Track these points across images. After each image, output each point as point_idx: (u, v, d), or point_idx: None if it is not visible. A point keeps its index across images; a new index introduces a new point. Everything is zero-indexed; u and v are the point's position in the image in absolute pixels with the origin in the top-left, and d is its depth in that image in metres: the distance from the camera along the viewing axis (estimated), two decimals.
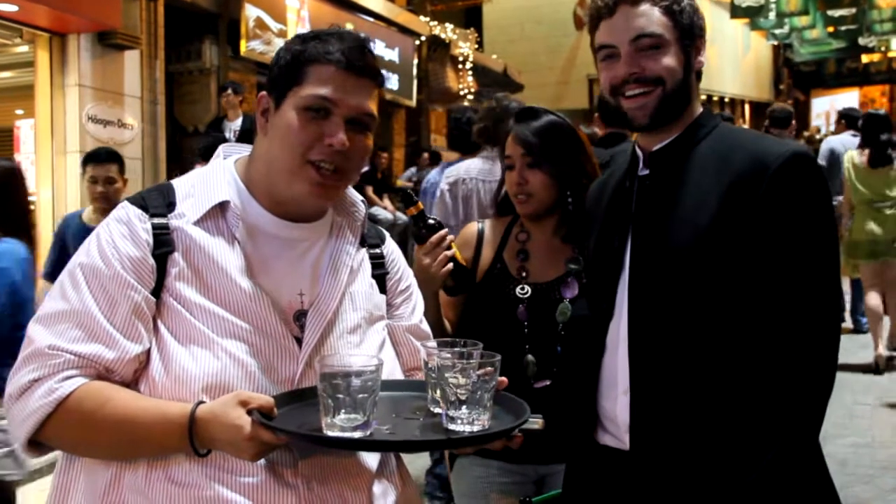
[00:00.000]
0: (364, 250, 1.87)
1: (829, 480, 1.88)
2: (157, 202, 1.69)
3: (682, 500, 1.84)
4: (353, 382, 1.45)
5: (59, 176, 8.03)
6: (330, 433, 1.46)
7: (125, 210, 1.68)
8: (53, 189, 8.04)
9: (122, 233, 1.63)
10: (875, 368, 7.62)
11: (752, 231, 1.77)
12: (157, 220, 1.65)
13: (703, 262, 1.81)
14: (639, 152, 2.00)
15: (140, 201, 1.69)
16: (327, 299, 1.72)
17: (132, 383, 1.60)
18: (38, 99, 8.24)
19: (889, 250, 7.55)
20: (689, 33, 1.91)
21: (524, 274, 2.54)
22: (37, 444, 1.59)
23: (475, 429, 1.51)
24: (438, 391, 1.55)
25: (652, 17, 1.88)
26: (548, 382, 2.43)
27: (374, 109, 1.71)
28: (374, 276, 1.86)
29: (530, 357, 2.45)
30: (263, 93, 1.73)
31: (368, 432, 1.47)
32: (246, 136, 7.53)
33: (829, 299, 1.79)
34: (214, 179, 1.73)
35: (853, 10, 21.75)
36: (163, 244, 1.64)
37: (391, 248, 1.94)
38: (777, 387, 1.75)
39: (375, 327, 1.81)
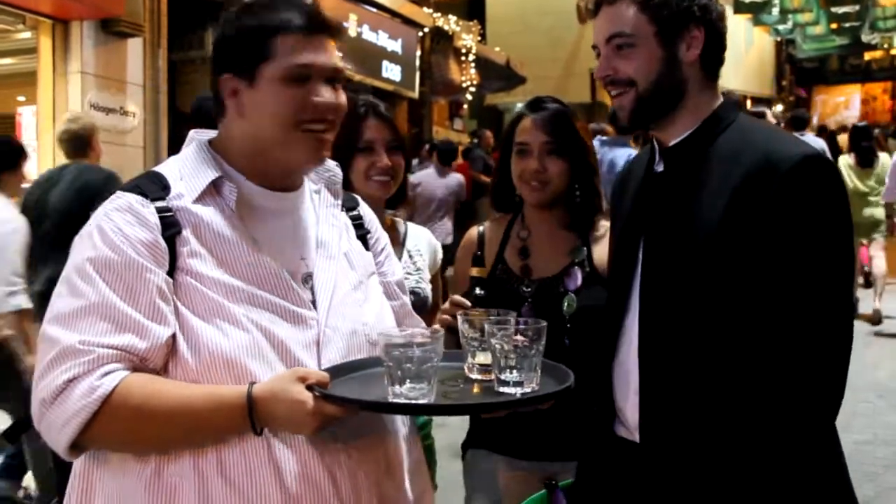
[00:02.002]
0: (344, 212, 1.91)
1: (846, 477, 1.86)
2: (153, 187, 1.67)
3: (690, 495, 1.83)
4: (415, 353, 1.50)
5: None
6: (397, 401, 1.51)
7: (123, 199, 1.64)
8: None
9: (127, 220, 1.60)
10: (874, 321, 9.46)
11: (762, 233, 1.73)
12: (158, 204, 1.64)
13: (712, 262, 1.77)
14: (656, 146, 1.98)
15: (136, 188, 1.66)
16: (329, 259, 1.77)
17: (161, 370, 1.57)
18: (40, 86, 8.23)
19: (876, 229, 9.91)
20: (674, 25, 1.85)
21: (527, 271, 2.53)
22: (76, 445, 1.53)
23: (527, 390, 1.57)
24: (479, 357, 1.61)
25: (625, 16, 1.85)
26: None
27: (342, 64, 1.76)
28: (357, 236, 1.91)
29: None
30: (226, 75, 1.69)
31: (432, 398, 1.53)
32: None
33: (838, 302, 1.74)
34: (200, 159, 1.73)
35: (856, 7, 21.77)
36: (170, 226, 1.62)
37: (365, 209, 1.99)
38: (789, 391, 1.72)
39: (373, 282, 1.86)
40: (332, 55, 1.72)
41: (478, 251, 2.57)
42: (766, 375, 1.74)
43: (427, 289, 2.65)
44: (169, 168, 1.74)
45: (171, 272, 1.60)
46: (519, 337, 1.56)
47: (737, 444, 1.76)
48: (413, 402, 1.51)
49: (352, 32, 13.10)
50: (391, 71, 14.30)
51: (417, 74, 15.12)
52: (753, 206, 1.73)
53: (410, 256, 2.70)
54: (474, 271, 2.30)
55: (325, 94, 1.68)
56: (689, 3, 1.85)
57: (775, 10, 20.98)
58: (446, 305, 2.29)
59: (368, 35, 13.58)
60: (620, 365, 1.96)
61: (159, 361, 1.56)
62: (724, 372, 1.78)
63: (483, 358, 1.65)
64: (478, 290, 2.29)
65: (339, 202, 1.88)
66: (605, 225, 2.57)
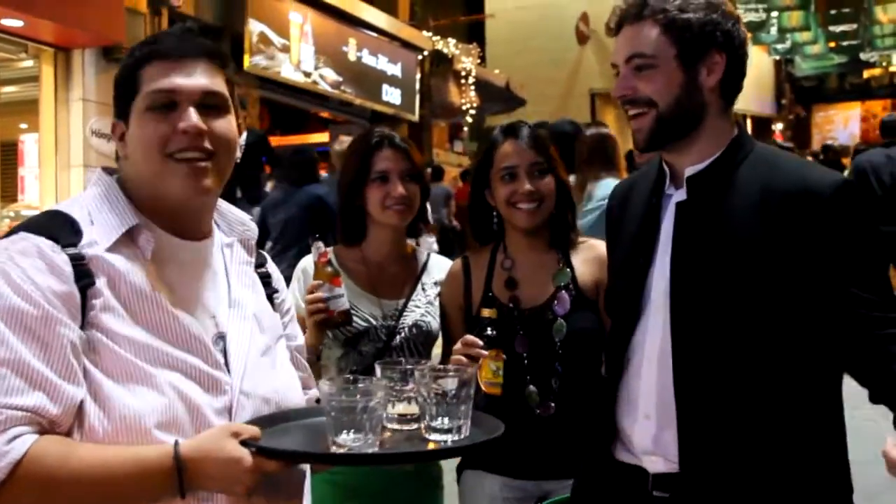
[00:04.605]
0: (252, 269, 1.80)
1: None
2: (64, 231, 1.49)
3: None
4: (359, 404, 1.44)
5: (63, 190, 8.04)
6: (340, 452, 1.46)
7: (30, 241, 1.45)
8: (57, 203, 8.05)
9: (37, 266, 1.42)
10: None
11: (803, 258, 1.75)
12: (70, 251, 1.46)
13: (754, 289, 1.77)
14: (665, 168, 1.96)
15: (43, 231, 1.47)
16: (243, 321, 1.65)
17: (65, 435, 1.41)
18: (42, 113, 8.27)
19: None
20: (696, 49, 1.83)
21: (515, 303, 2.52)
22: None
23: (457, 437, 1.55)
24: (398, 407, 1.62)
25: (648, 37, 1.84)
26: (552, 407, 2.43)
27: (223, 88, 1.63)
28: (266, 295, 1.79)
29: (532, 388, 2.44)
30: (115, 121, 1.62)
31: (376, 448, 1.48)
32: (251, 150, 7.56)
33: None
34: (114, 203, 1.58)
35: (854, 26, 21.86)
36: (82, 276, 1.45)
37: (273, 268, 1.87)
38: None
39: (280, 346, 1.76)
40: (206, 78, 1.60)
41: (465, 284, 2.60)
42: (807, 394, 1.77)
43: (433, 322, 2.65)
44: (77, 209, 1.56)
45: (81, 327, 1.44)
46: (448, 384, 1.54)
47: (777, 469, 1.78)
48: (359, 452, 1.45)
49: (351, 57, 13.18)
50: (391, 94, 14.36)
51: (417, 97, 15.17)
52: (794, 231, 1.76)
53: (424, 289, 2.70)
54: (486, 312, 2.32)
55: (188, 120, 1.55)
56: (712, 28, 1.83)
57: (773, 30, 21.07)
58: (458, 346, 2.29)
59: (368, 59, 13.65)
60: (628, 388, 1.94)
61: (68, 425, 1.40)
62: (756, 394, 1.78)
63: (402, 408, 1.62)
64: (489, 331, 2.30)
65: (253, 259, 1.77)
66: (584, 242, 2.61)
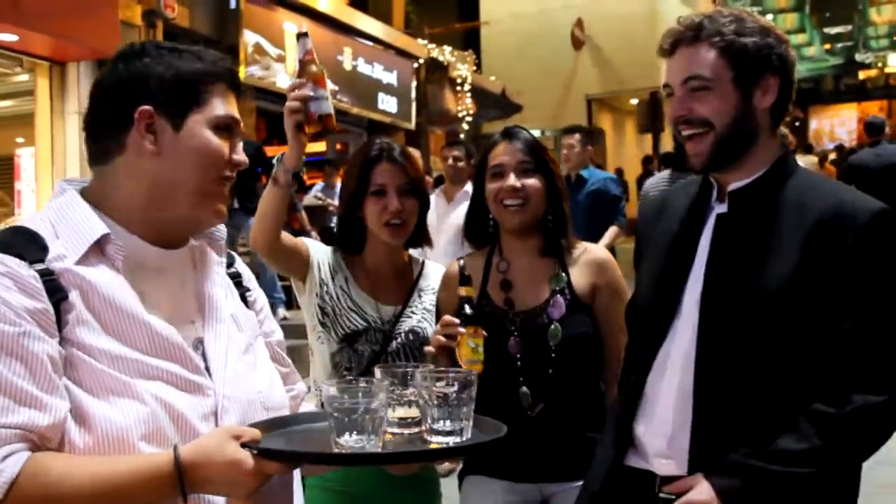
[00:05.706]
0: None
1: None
2: (30, 247, 1.46)
3: None
4: (361, 405, 1.45)
5: None
6: (342, 452, 1.47)
7: None
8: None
9: (6, 285, 1.40)
10: None
11: (833, 281, 1.78)
12: (38, 267, 1.44)
13: (783, 309, 1.79)
14: (712, 181, 1.99)
15: (8, 248, 1.44)
16: (220, 323, 1.66)
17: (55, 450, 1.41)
18: (38, 127, 8.29)
19: None
20: (752, 72, 1.88)
21: (510, 305, 2.54)
22: None
23: (458, 439, 1.55)
24: (398, 411, 1.61)
25: (705, 59, 1.88)
26: (542, 406, 2.43)
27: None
28: (238, 294, 1.80)
29: (525, 389, 2.45)
30: (147, 107, 1.55)
31: (378, 448, 1.48)
32: (248, 160, 7.57)
33: None
34: (79, 214, 1.55)
35: (849, 28, 21.94)
36: (54, 291, 1.43)
37: (243, 267, 1.87)
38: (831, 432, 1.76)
39: (259, 344, 1.76)
40: (237, 109, 1.68)
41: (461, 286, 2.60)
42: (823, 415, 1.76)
43: (429, 329, 2.66)
44: (41, 224, 1.53)
45: (59, 343, 1.43)
46: (446, 387, 1.54)
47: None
48: (362, 452, 1.46)
49: (347, 66, 13.19)
50: (387, 103, 14.37)
51: (413, 105, 15.19)
52: (827, 253, 1.79)
53: (420, 296, 2.73)
54: (463, 291, 2.35)
55: (243, 154, 1.64)
56: (768, 51, 1.88)
57: None
58: (438, 327, 2.32)
59: (363, 68, 13.66)
60: (645, 392, 1.97)
61: (56, 441, 1.39)
62: (778, 410, 1.80)
63: (403, 412, 1.62)
64: (467, 309, 2.32)
65: (224, 260, 1.77)
66: (580, 248, 2.63)
